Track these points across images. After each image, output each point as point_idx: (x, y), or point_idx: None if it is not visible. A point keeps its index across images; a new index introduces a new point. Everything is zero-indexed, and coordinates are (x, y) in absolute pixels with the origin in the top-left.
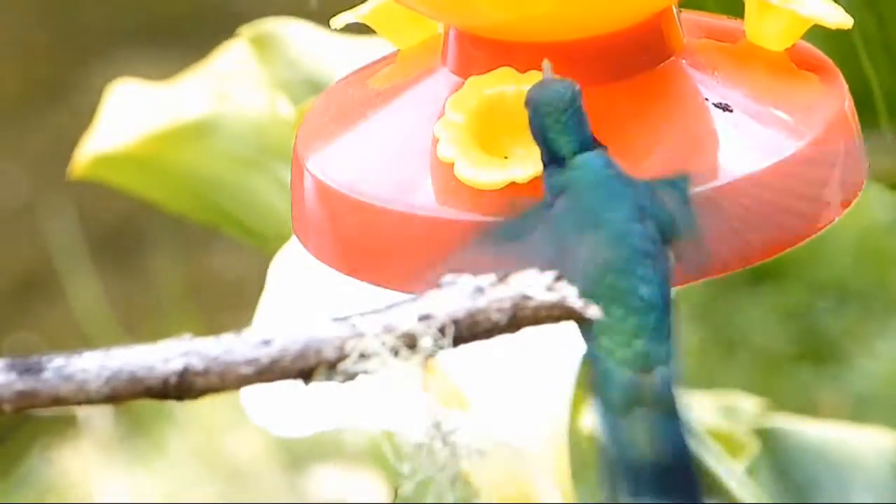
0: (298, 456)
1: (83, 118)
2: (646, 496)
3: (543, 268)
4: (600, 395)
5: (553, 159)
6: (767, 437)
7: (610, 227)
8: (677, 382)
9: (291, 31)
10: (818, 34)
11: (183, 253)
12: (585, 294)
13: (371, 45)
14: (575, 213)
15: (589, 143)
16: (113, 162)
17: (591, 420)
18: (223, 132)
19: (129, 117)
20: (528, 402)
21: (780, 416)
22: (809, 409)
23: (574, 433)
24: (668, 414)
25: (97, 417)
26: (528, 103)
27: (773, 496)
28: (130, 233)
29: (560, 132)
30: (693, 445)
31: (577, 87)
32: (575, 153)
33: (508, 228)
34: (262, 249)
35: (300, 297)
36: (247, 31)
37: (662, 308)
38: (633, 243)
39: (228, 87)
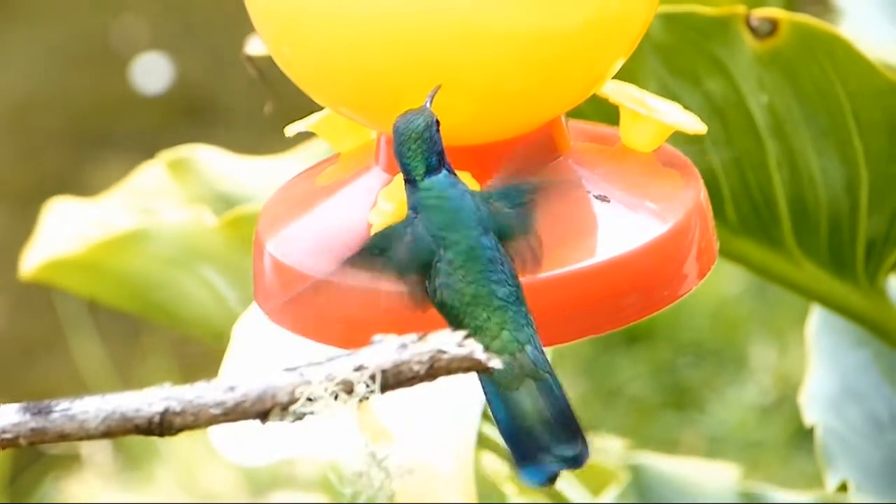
0: (260, 485)
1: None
2: (544, 454)
3: (411, 269)
4: (489, 382)
5: (408, 180)
6: (634, 471)
7: (463, 243)
8: (543, 352)
9: (203, 156)
10: (678, 139)
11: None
12: (454, 305)
13: (268, 166)
14: (431, 232)
15: (437, 166)
16: (58, 267)
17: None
18: (152, 240)
19: (67, 230)
20: (442, 434)
21: (644, 453)
22: (673, 448)
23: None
24: (547, 376)
25: (97, 454)
26: (392, 131)
27: None
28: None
29: (412, 157)
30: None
31: (433, 118)
32: (424, 176)
33: (377, 242)
34: (186, 334)
35: (259, 351)
36: (164, 156)
37: (516, 301)
38: (483, 255)
39: (151, 203)
